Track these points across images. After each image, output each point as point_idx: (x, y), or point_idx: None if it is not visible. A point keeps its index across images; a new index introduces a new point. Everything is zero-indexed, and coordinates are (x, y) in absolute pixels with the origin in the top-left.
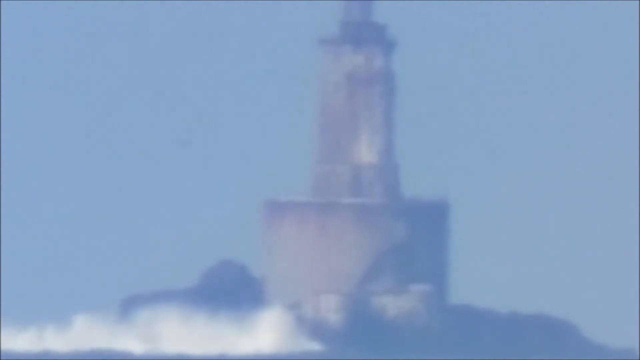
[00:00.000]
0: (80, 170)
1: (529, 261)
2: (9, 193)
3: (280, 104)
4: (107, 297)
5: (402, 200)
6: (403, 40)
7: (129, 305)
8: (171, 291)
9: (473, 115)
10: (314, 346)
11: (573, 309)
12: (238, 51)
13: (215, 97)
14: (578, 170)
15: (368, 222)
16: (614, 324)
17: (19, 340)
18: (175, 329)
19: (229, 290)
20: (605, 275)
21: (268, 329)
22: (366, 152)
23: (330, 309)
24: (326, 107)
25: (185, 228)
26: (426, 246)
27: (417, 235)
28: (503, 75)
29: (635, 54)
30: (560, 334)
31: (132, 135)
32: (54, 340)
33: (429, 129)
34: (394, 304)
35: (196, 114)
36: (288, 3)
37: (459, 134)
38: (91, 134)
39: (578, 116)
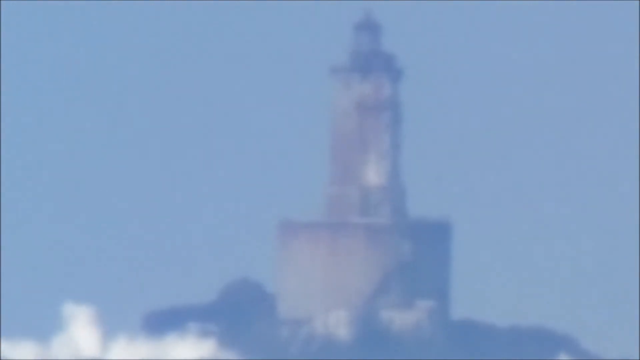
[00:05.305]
0: (98, 186)
1: (528, 277)
2: (11, 196)
3: (293, 129)
4: (129, 312)
5: (408, 220)
6: (410, 70)
7: (150, 321)
8: (191, 306)
9: (475, 141)
10: None
11: (572, 322)
12: (253, 78)
13: (233, 123)
14: (578, 191)
15: (376, 241)
16: (613, 335)
17: (24, 350)
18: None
19: (244, 306)
20: (605, 290)
21: None
22: (374, 174)
23: (340, 324)
24: (337, 133)
25: (205, 247)
26: (430, 264)
27: (421, 253)
28: (504, 104)
29: (636, 54)
30: (559, 346)
31: (152, 152)
32: (67, 353)
33: (433, 153)
34: (399, 318)
35: (214, 139)
36: (300, 33)
37: (461, 159)
38: (113, 148)
39: (582, 138)
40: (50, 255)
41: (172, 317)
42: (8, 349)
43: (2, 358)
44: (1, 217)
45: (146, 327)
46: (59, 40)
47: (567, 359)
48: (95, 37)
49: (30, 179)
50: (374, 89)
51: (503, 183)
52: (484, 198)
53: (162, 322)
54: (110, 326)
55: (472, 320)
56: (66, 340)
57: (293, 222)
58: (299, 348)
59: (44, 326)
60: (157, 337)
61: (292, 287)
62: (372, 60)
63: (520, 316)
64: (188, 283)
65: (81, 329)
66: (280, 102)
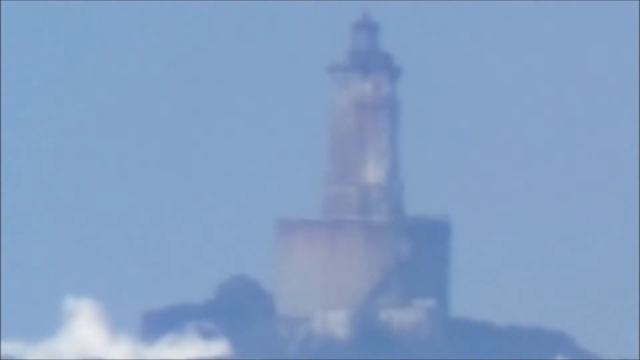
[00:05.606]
0: (96, 185)
1: (527, 276)
2: (11, 194)
3: (292, 128)
4: (127, 311)
5: (406, 218)
6: (408, 68)
7: (148, 320)
8: (189, 305)
9: (473, 139)
10: None
11: (570, 321)
12: (252, 78)
13: (232, 122)
14: (576, 191)
15: (375, 239)
16: (611, 335)
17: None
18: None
19: (242, 305)
20: (602, 290)
21: None
22: (373, 173)
23: (338, 323)
24: (335, 131)
25: (203, 245)
26: (429, 262)
27: (420, 252)
28: (503, 103)
29: (636, 54)
30: (557, 345)
31: (151, 152)
32: (69, 350)
33: (432, 152)
34: (398, 317)
35: (212, 138)
36: (298, 32)
37: (460, 157)
38: (113, 147)
39: (580, 137)
40: (49, 253)
41: (170, 316)
42: (8, 347)
43: (1, 357)
44: (1, 215)
45: (144, 327)
46: (59, 40)
47: (564, 359)
48: (95, 37)
49: (31, 177)
50: (372, 87)
51: (501, 182)
52: (483, 197)
53: (160, 321)
54: (108, 326)
55: (471, 319)
56: (67, 338)
57: (292, 220)
58: (298, 347)
59: (44, 323)
60: (155, 336)
61: (290, 285)
62: (370, 59)
63: (518, 315)
64: (186, 282)
65: (82, 327)
66: (279, 101)
